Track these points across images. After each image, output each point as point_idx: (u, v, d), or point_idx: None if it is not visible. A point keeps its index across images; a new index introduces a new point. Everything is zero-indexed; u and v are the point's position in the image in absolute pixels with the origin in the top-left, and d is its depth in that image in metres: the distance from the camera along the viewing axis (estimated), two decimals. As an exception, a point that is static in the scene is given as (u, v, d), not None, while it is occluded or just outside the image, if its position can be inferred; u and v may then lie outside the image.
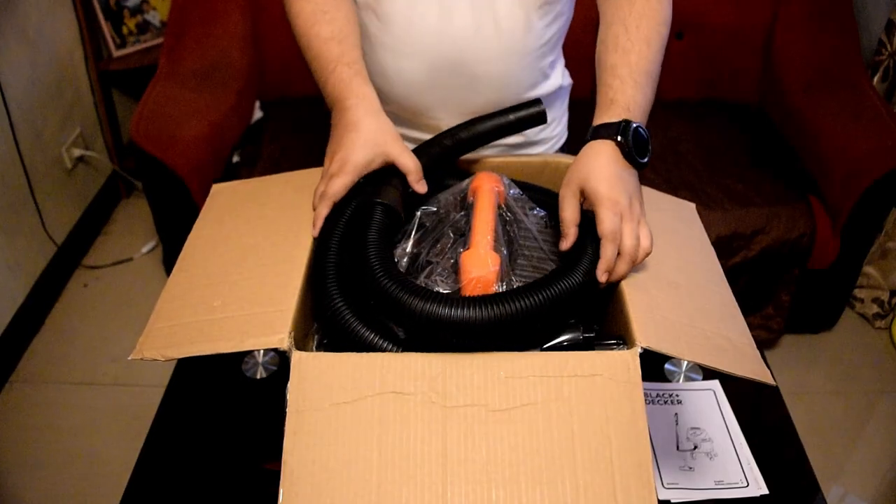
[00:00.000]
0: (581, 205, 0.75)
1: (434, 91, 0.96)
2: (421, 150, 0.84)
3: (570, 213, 0.74)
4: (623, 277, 0.71)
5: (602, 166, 0.74)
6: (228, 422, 0.87)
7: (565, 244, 0.74)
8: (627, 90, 0.79)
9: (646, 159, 0.76)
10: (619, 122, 0.76)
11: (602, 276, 0.70)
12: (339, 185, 0.76)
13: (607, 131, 0.76)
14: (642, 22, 0.83)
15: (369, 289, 0.67)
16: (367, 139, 0.78)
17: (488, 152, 1.07)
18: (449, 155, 0.86)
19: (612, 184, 0.72)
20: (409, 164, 0.79)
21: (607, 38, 0.84)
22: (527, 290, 0.65)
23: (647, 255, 0.72)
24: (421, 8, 0.91)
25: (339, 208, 0.77)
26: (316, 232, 0.76)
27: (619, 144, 0.75)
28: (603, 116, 0.78)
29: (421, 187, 0.80)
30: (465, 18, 0.91)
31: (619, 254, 0.70)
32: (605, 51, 0.84)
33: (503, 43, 0.93)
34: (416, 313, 0.63)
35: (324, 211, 0.76)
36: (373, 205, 0.75)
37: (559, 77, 1.05)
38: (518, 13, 0.92)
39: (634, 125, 0.75)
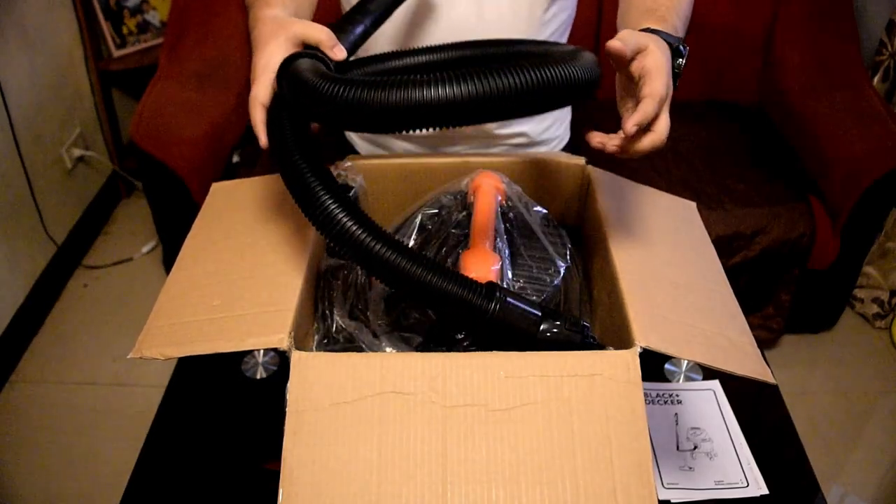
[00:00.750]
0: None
1: None
2: (336, 31, 0.77)
3: (636, 40, 0.65)
4: (637, 155, 0.66)
5: (664, 48, 0.69)
6: (228, 422, 0.87)
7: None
8: (673, 18, 0.75)
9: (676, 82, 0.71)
10: (675, 36, 0.72)
11: (631, 128, 0.63)
12: (260, 86, 0.71)
13: (660, 34, 0.71)
14: None
15: (326, 108, 0.60)
16: (269, 37, 0.73)
17: (490, 151, 1.07)
18: (365, 35, 0.80)
19: (668, 68, 0.67)
20: (318, 34, 0.72)
21: None
22: (512, 68, 0.57)
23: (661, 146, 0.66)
24: None
25: (279, 113, 0.71)
26: (263, 139, 0.71)
27: (671, 45, 0.70)
28: (653, 25, 0.73)
29: (338, 53, 0.73)
30: (469, 7, 0.91)
31: (646, 131, 0.65)
32: None
33: (505, 33, 0.93)
34: (384, 105, 0.56)
35: (257, 114, 0.70)
36: (291, 58, 0.69)
37: (561, 76, 1.05)
38: (521, 2, 0.92)
39: (684, 48, 0.71)
